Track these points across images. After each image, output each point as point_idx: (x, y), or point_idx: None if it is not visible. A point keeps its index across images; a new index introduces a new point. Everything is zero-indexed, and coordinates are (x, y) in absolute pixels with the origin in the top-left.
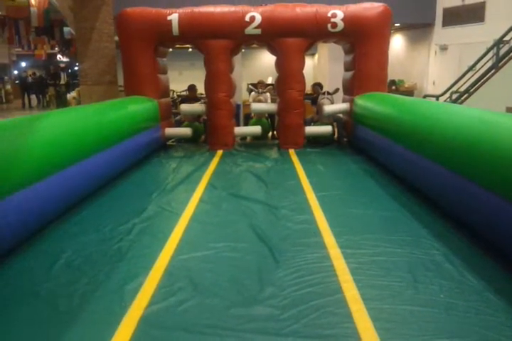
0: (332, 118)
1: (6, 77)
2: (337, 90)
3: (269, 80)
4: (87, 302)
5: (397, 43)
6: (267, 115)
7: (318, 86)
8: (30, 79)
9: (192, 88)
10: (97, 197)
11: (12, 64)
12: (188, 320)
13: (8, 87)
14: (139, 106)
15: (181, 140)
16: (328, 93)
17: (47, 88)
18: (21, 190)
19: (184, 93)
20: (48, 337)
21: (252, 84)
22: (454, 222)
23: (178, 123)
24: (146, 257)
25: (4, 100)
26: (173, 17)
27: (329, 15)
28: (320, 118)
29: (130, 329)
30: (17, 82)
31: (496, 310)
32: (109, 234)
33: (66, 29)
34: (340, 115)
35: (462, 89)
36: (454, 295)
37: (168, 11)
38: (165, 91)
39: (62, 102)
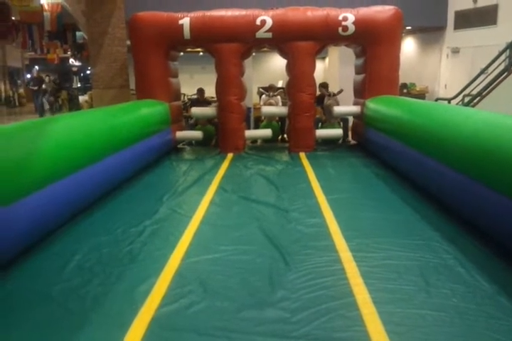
0: (339, 119)
1: (19, 81)
2: (341, 91)
3: (280, 84)
4: (98, 304)
5: (409, 46)
6: (277, 118)
7: (322, 87)
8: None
9: (200, 91)
10: (108, 200)
11: (25, 68)
12: (199, 323)
13: (21, 90)
14: (150, 110)
15: (191, 143)
16: (334, 94)
17: (59, 92)
18: (33, 193)
19: (195, 96)
20: (60, 339)
21: (263, 88)
22: (467, 226)
23: (192, 127)
24: (157, 259)
25: (17, 103)
26: (185, 21)
27: (340, 18)
28: (328, 119)
29: (141, 331)
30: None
31: (508, 314)
32: (121, 236)
33: (78, 33)
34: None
35: (474, 92)
36: (466, 299)
37: (179, 14)
38: (176, 95)
39: (74, 105)
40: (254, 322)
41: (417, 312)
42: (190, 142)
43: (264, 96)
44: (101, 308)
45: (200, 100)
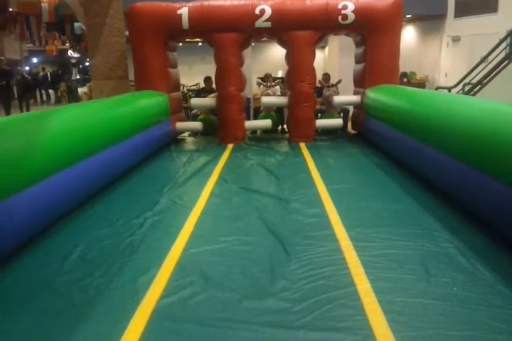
0: (340, 109)
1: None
2: (339, 81)
3: (280, 74)
4: (100, 295)
5: (409, 35)
6: (275, 108)
7: (324, 78)
8: (40, 75)
9: (208, 80)
10: (109, 192)
11: (24, 60)
12: (200, 313)
13: None
14: (149, 101)
15: (195, 133)
16: (333, 85)
17: (58, 84)
18: (34, 185)
19: (194, 87)
20: (63, 330)
21: (261, 78)
22: (467, 215)
23: (194, 117)
24: (158, 250)
25: (16, 96)
26: (183, 11)
27: (340, 7)
28: (328, 109)
29: (143, 322)
30: (29, 77)
31: (509, 302)
32: (122, 227)
33: (76, 24)
34: (347, 107)
35: (475, 80)
36: (467, 288)
37: (177, 4)
38: (175, 86)
39: (73, 97)
40: (255, 313)
41: (417, 301)
42: (193, 133)
43: (261, 86)
44: (103, 299)
45: (206, 89)
